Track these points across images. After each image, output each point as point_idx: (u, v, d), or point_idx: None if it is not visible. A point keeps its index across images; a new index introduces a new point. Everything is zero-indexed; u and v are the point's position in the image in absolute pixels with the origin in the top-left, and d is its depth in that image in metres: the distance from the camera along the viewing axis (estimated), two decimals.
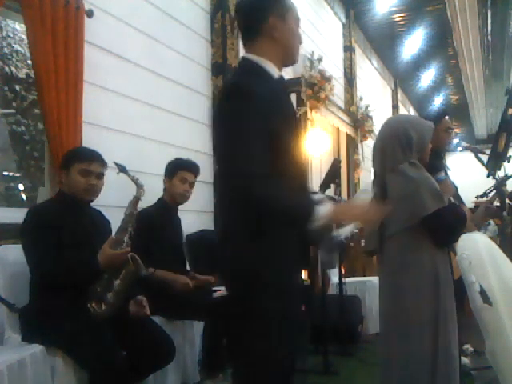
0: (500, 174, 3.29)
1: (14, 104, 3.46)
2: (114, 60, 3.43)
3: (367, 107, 8.21)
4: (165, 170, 3.12)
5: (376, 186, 2.32)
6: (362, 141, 8.00)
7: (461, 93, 12.63)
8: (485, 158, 3.33)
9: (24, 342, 2.19)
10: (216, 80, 4.49)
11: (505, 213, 3.33)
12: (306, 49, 6.04)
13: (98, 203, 2.56)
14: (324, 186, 3.75)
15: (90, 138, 2.98)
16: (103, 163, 2.46)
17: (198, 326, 3.06)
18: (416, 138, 2.21)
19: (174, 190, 3.07)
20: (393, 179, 2.20)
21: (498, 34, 8.87)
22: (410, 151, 2.21)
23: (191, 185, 3.14)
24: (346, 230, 1.66)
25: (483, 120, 14.80)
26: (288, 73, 5.13)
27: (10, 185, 3.50)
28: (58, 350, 2.13)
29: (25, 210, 2.35)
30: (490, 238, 2.55)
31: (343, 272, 4.45)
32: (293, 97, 5.58)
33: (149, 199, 2.80)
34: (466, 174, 9.88)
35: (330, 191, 4.05)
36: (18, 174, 3.56)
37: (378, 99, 9.94)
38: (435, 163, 2.65)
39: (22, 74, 3.47)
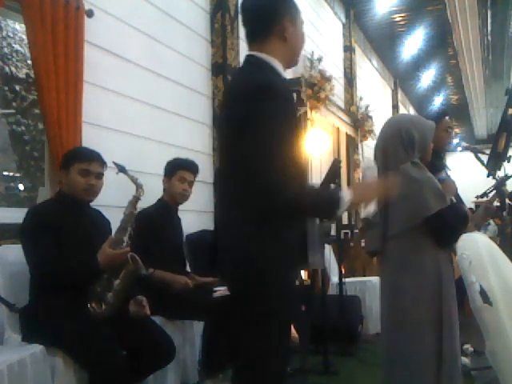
0: (500, 174, 3.30)
1: (14, 104, 3.45)
2: (114, 60, 3.43)
3: (367, 107, 8.21)
4: (164, 169, 3.12)
5: None
6: (362, 141, 8.00)
7: (461, 93, 12.63)
8: (485, 158, 3.34)
9: (24, 341, 2.19)
10: (216, 80, 4.49)
11: (505, 213, 3.34)
12: (306, 49, 6.04)
13: (98, 203, 2.56)
14: (324, 186, 3.74)
15: (90, 138, 2.98)
16: (103, 163, 2.46)
17: (198, 326, 3.06)
18: (418, 137, 2.21)
19: (174, 189, 3.07)
20: None
21: (498, 33, 8.87)
22: (412, 151, 2.20)
23: (190, 184, 3.14)
24: (369, 210, 1.74)
25: (483, 120, 14.80)
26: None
27: (10, 185, 3.50)
28: (58, 350, 2.12)
29: (25, 210, 2.34)
30: (490, 237, 2.55)
31: (343, 272, 4.45)
32: None
33: (149, 199, 2.80)
34: (466, 174, 9.89)
35: None
36: (18, 174, 3.55)
37: (378, 99, 9.94)
38: (436, 163, 2.65)
39: (22, 74, 3.46)
